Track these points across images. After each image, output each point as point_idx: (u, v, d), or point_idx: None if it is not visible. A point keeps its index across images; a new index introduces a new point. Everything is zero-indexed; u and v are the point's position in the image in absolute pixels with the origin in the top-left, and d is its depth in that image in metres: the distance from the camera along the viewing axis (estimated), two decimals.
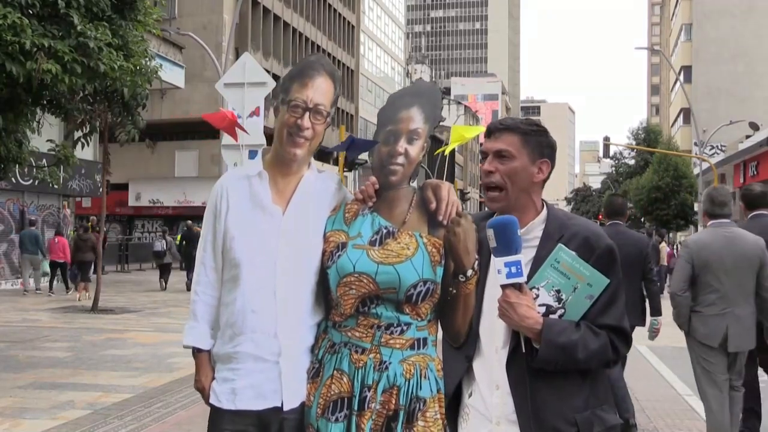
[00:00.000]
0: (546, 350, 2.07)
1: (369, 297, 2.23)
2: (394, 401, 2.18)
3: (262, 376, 2.32)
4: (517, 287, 2.09)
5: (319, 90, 2.37)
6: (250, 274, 2.34)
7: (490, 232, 2.09)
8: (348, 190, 2.56)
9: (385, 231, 2.31)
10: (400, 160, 2.32)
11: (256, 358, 2.33)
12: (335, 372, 2.25)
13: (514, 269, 2.06)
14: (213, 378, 2.43)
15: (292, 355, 2.33)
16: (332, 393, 2.23)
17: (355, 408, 2.19)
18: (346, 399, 2.21)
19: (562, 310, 2.14)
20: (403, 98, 2.41)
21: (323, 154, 39.32)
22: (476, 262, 2.22)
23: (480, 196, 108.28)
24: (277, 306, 2.32)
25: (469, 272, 2.20)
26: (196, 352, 2.47)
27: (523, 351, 2.13)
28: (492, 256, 2.12)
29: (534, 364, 2.10)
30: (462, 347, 2.27)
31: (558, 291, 2.14)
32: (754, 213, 5.68)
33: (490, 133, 2.33)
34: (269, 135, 3.06)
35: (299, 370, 2.35)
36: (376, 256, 2.24)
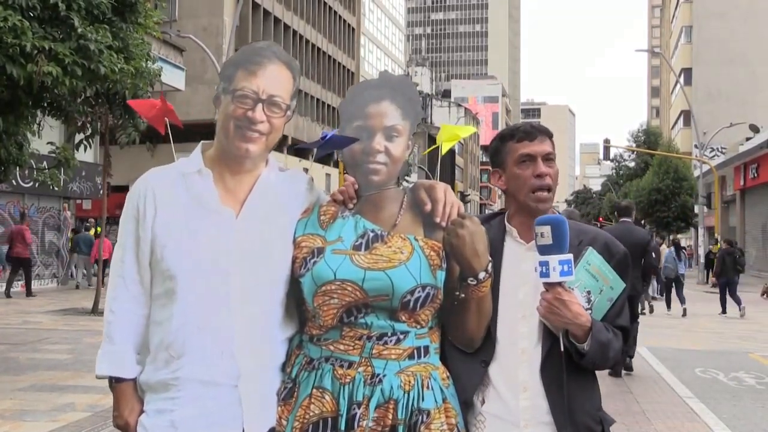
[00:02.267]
0: (593, 348, 2.08)
1: (355, 306, 2.01)
2: (391, 416, 1.98)
3: (213, 402, 2.00)
4: (561, 286, 2.07)
5: (272, 79, 2.07)
6: (190, 286, 2.01)
7: (546, 230, 2.02)
8: (322, 191, 2.32)
9: (372, 234, 2.09)
10: (381, 158, 2.08)
11: (204, 383, 2.00)
12: (314, 391, 2.01)
13: (566, 267, 2.02)
14: (141, 411, 2.06)
15: (256, 376, 2.03)
16: (311, 414, 2.00)
17: (342, 428, 1.97)
18: (329, 419, 1.99)
19: (590, 311, 2.14)
20: (370, 91, 2.14)
21: (324, 157, 39.30)
22: (489, 264, 2.07)
23: (480, 198, 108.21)
24: (232, 322, 2.01)
25: (482, 275, 2.03)
26: (115, 382, 2.07)
27: (562, 350, 2.11)
28: (539, 254, 2.05)
29: (581, 363, 2.11)
30: (477, 352, 2.19)
31: (588, 292, 2.16)
32: (621, 220, 9.00)
33: (531, 136, 2.24)
34: None
35: (266, 392, 2.06)
36: (362, 262, 2.02)
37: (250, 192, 2.13)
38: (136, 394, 2.08)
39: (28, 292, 17.80)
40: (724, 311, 17.52)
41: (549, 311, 2.07)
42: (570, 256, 2.03)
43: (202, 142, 2.24)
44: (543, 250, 2.04)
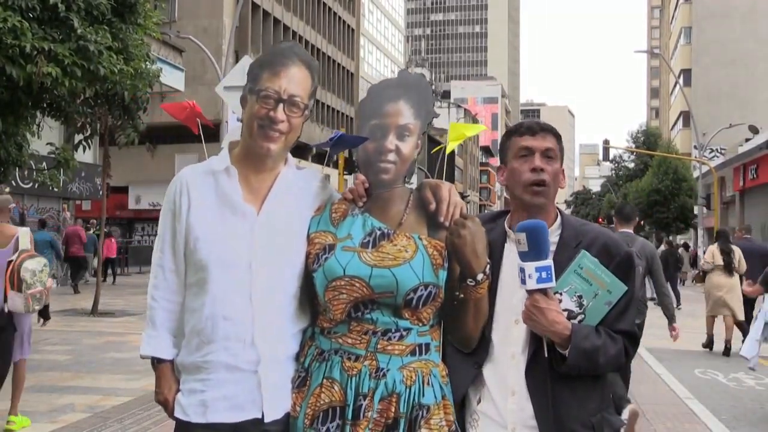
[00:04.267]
0: (574, 355, 2.07)
1: (362, 302, 2.09)
2: (393, 409, 2.05)
3: (237, 386, 2.15)
4: (543, 292, 2.06)
5: (294, 80, 2.18)
6: (219, 277, 2.16)
7: (522, 236, 2.02)
8: (335, 188, 2.41)
9: (379, 232, 2.17)
10: (391, 157, 2.15)
11: (229, 367, 2.15)
12: (325, 380, 2.11)
13: (544, 274, 2.02)
14: (177, 390, 2.24)
15: (273, 363, 2.16)
16: (322, 402, 2.10)
17: (349, 417, 2.06)
18: (338, 408, 2.08)
19: (582, 316, 2.14)
20: (388, 90, 2.22)
21: (323, 156, 39.37)
22: (488, 266, 2.11)
23: (480, 199, 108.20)
24: (253, 312, 2.15)
25: (480, 276, 2.08)
26: (157, 362, 2.28)
27: (545, 356, 2.11)
28: (519, 260, 2.05)
29: (561, 369, 2.10)
30: (472, 353, 2.21)
31: (580, 297, 2.14)
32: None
33: (533, 131, 2.24)
34: None
35: (282, 379, 2.19)
36: (369, 259, 2.10)
37: (270, 190, 2.25)
38: (174, 374, 2.27)
39: (75, 290, 19.22)
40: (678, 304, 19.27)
41: (527, 318, 2.09)
42: (549, 262, 2.03)
43: (229, 141, 2.35)
44: (521, 256, 2.05)
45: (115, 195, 31.18)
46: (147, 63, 11.21)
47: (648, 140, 56.98)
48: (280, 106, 2.15)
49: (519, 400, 2.16)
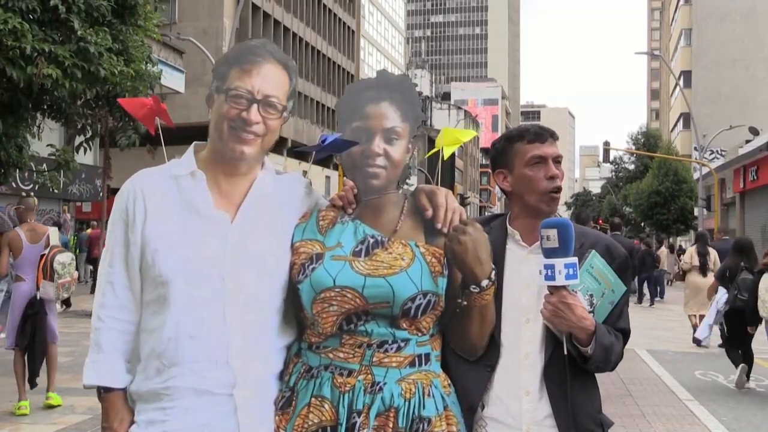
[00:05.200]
0: (598, 351, 2.08)
1: (355, 313, 1.96)
2: (391, 424, 1.93)
3: (208, 413, 1.92)
4: (565, 289, 2.06)
5: (268, 79, 1.99)
6: (184, 293, 1.93)
7: (553, 233, 2.01)
8: (321, 195, 2.27)
9: (372, 240, 2.04)
10: (380, 161, 2.02)
11: (198, 392, 1.92)
12: (313, 399, 1.96)
13: (571, 270, 2.01)
14: (131, 422, 1.98)
15: (252, 384, 1.96)
16: (310, 423, 1.94)
17: None
18: (328, 428, 1.94)
19: (592, 315, 2.14)
20: (368, 91, 2.08)
21: (324, 160, 39.28)
22: (493, 272, 2.03)
23: (480, 201, 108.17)
24: (228, 330, 1.93)
25: (485, 282, 1.99)
26: (103, 392, 1.99)
27: (565, 353, 2.11)
28: (544, 257, 2.04)
29: (587, 367, 2.11)
30: (481, 356, 2.17)
31: (591, 295, 2.15)
32: (613, 233, 9.59)
33: (542, 138, 2.24)
34: None
35: (263, 401, 1.99)
36: (362, 268, 1.97)
37: (245, 196, 2.05)
38: (127, 405, 2.01)
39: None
40: (652, 303, 21.09)
41: (553, 314, 2.06)
42: (575, 259, 2.03)
43: (194, 143, 2.15)
44: (549, 253, 2.03)
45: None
46: (148, 65, 11.22)
47: (648, 142, 56.97)
48: (254, 106, 1.97)
49: (534, 400, 2.15)
